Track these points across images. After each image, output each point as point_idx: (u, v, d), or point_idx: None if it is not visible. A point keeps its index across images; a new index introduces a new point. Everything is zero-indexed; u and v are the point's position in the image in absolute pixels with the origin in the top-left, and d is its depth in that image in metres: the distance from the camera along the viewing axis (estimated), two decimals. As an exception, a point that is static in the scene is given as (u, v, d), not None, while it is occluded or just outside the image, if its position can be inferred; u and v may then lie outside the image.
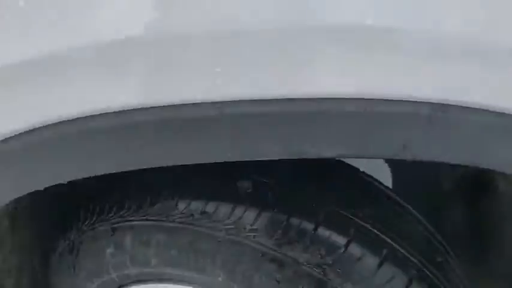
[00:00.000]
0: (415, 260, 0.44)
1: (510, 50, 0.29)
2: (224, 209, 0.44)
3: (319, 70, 0.30)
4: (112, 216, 0.50)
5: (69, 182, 0.55)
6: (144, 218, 0.48)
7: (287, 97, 0.31)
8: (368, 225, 0.43)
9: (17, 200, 0.57)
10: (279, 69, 0.30)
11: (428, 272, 0.44)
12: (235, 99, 0.31)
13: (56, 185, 0.56)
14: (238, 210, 0.44)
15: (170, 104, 0.31)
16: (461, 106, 0.31)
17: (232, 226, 0.44)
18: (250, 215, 0.43)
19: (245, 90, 0.31)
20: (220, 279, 0.47)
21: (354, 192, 0.47)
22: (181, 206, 0.46)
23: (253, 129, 0.33)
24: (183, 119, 0.32)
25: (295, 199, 0.45)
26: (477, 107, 0.31)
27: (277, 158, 0.34)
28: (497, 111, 0.31)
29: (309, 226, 0.42)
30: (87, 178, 0.50)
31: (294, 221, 0.43)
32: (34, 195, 0.58)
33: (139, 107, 0.32)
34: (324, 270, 0.42)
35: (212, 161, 0.35)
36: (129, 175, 0.51)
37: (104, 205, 0.50)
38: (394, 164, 0.73)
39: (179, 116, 0.32)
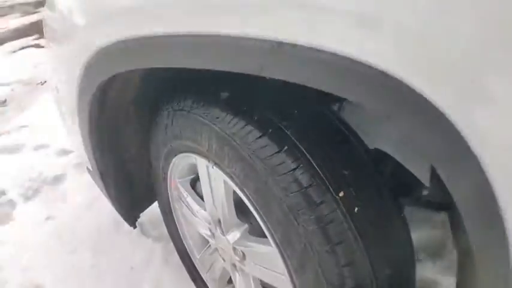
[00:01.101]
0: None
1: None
2: (208, 104, 0.75)
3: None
4: (168, 106, 0.87)
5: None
6: (179, 108, 0.83)
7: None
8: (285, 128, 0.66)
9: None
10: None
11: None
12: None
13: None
14: (214, 106, 0.74)
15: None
16: (291, 43, 0.52)
17: (210, 115, 0.74)
18: (216, 110, 0.73)
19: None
20: (205, 149, 0.79)
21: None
22: (194, 102, 0.79)
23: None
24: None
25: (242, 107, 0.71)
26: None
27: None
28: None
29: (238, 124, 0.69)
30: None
31: (235, 121, 0.70)
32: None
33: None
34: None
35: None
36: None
37: (166, 99, 0.88)
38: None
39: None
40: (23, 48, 4.81)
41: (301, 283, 0.70)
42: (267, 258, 0.80)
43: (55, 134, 2.50)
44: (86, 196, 1.87)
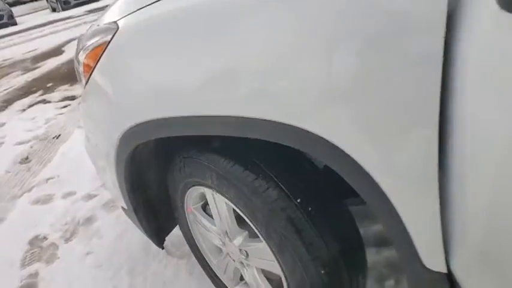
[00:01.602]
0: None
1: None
2: (207, 152, 1.12)
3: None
4: (179, 154, 1.23)
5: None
6: (188, 156, 1.20)
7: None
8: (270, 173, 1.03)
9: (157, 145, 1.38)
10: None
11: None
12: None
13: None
14: (211, 153, 1.11)
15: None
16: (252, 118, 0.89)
17: (209, 159, 1.11)
18: (213, 155, 1.10)
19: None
20: (209, 182, 1.15)
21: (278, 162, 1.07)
22: (197, 151, 1.16)
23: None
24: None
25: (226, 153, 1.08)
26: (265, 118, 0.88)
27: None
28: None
29: (229, 164, 1.06)
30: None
31: (226, 162, 1.07)
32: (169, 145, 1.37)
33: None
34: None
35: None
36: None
37: (175, 150, 1.25)
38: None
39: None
40: (31, 105, 5.22)
41: (284, 262, 1.06)
42: (262, 252, 1.16)
43: (78, 182, 2.88)
44: (116, 230, 2.24)
